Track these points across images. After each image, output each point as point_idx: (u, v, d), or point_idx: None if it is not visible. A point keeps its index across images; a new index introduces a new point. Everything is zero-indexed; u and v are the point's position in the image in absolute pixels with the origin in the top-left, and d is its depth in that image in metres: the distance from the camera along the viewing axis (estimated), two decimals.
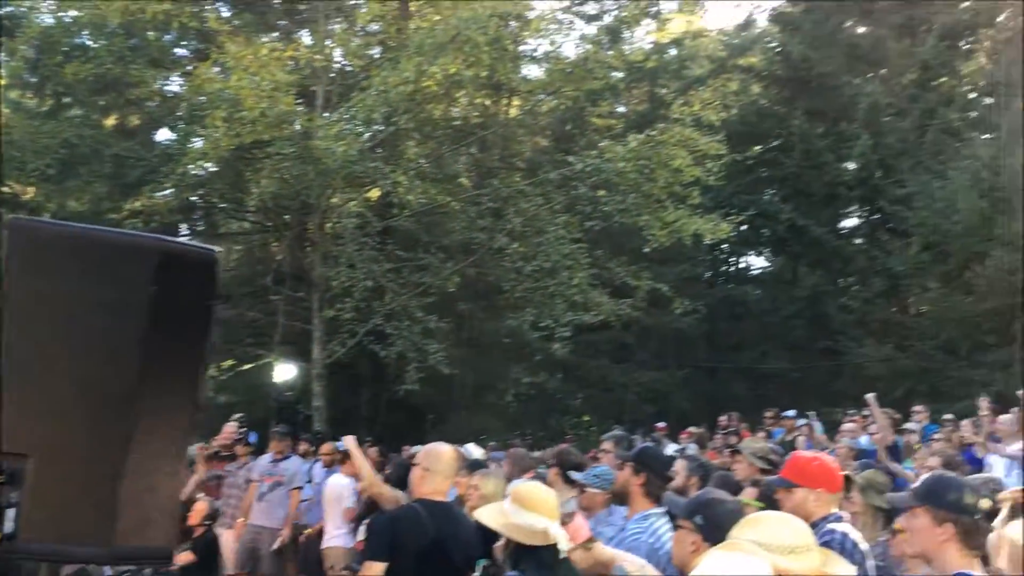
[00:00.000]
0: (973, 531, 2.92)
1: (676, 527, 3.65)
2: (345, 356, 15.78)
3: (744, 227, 26.38)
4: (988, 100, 22.44)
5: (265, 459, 9.43)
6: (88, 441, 1.86)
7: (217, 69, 15.80)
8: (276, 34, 19.08)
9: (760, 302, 24.27)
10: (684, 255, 21.21)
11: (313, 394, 15.83)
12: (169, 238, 2.07)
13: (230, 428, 10.07)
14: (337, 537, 8.29)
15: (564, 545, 3.32)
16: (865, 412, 11.05)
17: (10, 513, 1.79)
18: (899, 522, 3.71)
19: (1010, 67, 20.86)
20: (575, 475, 5.21)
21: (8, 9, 16.72)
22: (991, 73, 21.69)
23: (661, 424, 14.91)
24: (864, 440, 10.46)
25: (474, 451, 7.76)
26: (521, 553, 3.38)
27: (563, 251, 15.35)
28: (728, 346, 23.84)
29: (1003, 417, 8.87)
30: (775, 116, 24.93)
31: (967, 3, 23.16)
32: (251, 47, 15.53)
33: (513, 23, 16.10)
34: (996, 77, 21.30)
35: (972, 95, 22.69)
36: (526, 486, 3.73)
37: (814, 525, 3.54)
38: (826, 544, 3.54)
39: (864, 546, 3.70)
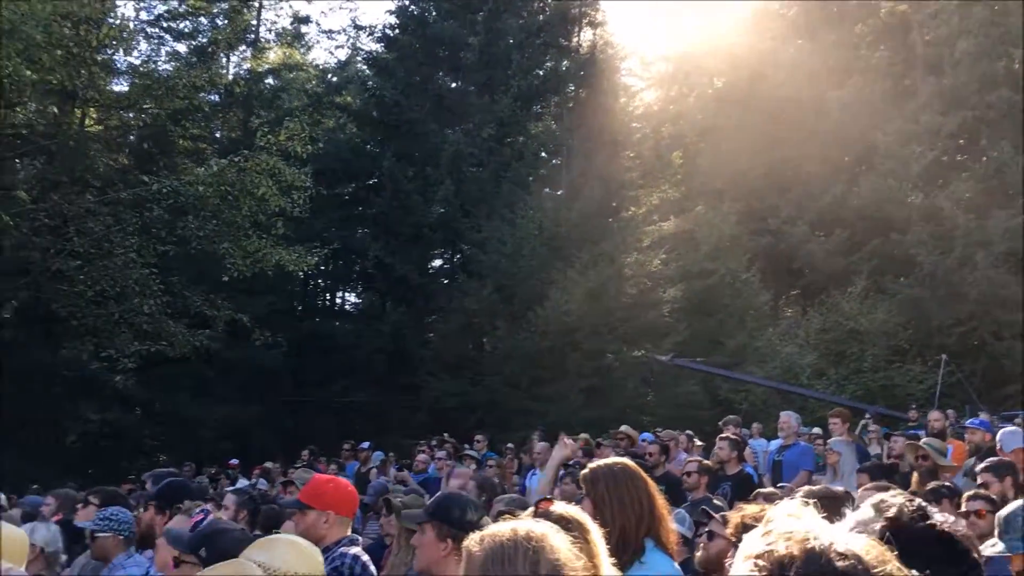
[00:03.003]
0: None
1: (179, 563, 3.47)
2: None
3: (340, 263, 26.65)
4: (554, 160, 25.07)
5: None
6: None
7: None
8: None
9: (347, 336, 24.50)
10: (271, 287, 20.79)
11: None
12: None
13: None
14: None
15: None
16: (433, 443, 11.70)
17: None
18: (414, 540, 3.81)
19: (571, 132, 23.56)
20: (81, 523, 4.72)
21: None
22: (556, 135, 24.26)
23: (234, 461, 14.38)
24: (432, 468, 11.00)
25: None
26: None
27: (133, 276, 14.24)
28: (314, 381, 23.73)
29: (540, 444, 9.74)
30: (368, 156, 25.56)
31: (540, 71, 25.73)
32: None
33: (86, 28, 14.75)
34: (560, 139, 23.90)
35: (542, 153, 25.06)
36: None
37: (327, 548, 3.56)
38: (336, 568, 3.58)
39: (372, 569, 3.77)
